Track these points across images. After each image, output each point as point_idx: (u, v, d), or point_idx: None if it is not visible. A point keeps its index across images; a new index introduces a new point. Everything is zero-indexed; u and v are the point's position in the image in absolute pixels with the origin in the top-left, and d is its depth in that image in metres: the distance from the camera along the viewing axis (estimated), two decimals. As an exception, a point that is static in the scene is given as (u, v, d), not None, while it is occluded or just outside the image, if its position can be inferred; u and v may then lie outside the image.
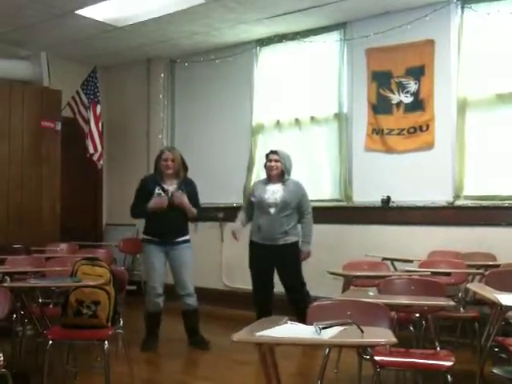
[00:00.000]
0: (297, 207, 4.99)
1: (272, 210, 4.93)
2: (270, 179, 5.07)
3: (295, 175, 5.19)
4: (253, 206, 5.10)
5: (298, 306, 4.63)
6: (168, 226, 4.66)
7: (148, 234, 4.77)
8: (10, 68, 6.50)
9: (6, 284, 3.78)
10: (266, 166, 5.09)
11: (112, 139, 7.70)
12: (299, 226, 5.03)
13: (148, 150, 7.40)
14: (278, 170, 4.99)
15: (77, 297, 3.64)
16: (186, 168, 4.85)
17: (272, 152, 5.08)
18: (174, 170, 4.71)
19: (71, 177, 7.09)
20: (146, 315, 4.78)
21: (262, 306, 4.97)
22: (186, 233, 4.81)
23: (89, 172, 7.36)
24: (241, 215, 5.20)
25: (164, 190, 4.68)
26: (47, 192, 6.52)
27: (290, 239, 4.96)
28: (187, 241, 4.82)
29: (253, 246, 5.05)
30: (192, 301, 4.80)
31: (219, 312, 6.37)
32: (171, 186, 4.72)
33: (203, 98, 7.17)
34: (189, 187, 4.82)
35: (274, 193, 4.97)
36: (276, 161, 4.99)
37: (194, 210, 4.73)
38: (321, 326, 2.24)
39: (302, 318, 2.76)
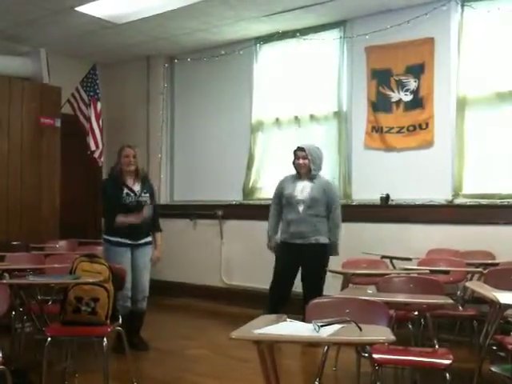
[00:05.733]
0: (326, 205, 4.92)
1: (301, 208, 4.87)
2: (299, 175, 5.01)
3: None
4: (281, 204, 5.03)
5: None
6: (135, 226, 4.57)
7: (113, 235, 4.58)
8: (9, 65, 6.48)
9: (5, 281, 3.78)
10: (294, 163, 5.02)
11: (111, 136, 7.69)
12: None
13: (148, 147, 7.40)
14: (306, 168, 4.93)
15: (76, 294, 3.64)
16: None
17: (299, 149, 4.98)
18: (135, 166, 4.66)
19: (70, 174, 7.08)
20: None
21: (278, 305, 4.87)
22: (149, 233, 4.74)
23: (88, 169, 7.35)
24: (270, 224, 5.11)
25: (132, 191, 4.60)
26: (46, 189, 6.51)
27: (322, 239, 4.88)
28: (150, 242, 4.73)
29: (282, 245, 4.99)
30: (144, 304, 4.67)
31: (218, 309, 6.39)
32: (135, 186, 4.65)
33: (203, 95, 7.16)
34: (151, 188, 4.80)
35: (303, 189, 4.91)
36: (304, 158, 4.92)
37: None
38: (319, 324, 2.24)
39: None
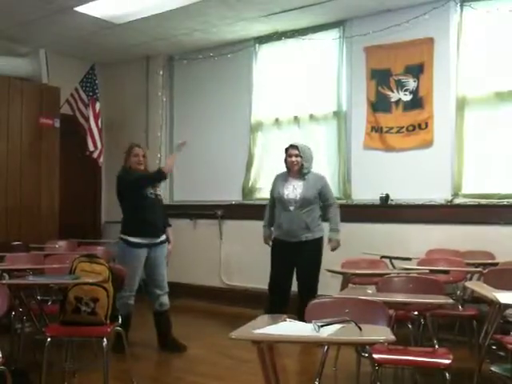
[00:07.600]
0: (320, 200, 4.99)
1: (291, 207, 4.91)
2: (290, 173, 5.06)
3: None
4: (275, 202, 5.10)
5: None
6: (154, 223, 4.60)
7: (133, 235, 4.54)
8: (8, 65, 6.47)
9: (4, 281, 3.78)
10: (286, 160, 5.06)
11: (110, 136, 7.69)
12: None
13: (147, 147, 7.39)
14: (298, 165, 4.98)
15: (75, 294, 3.64)
16: None
17: (292, 146, 5.03)
18: (145, 165, 4.70)
19: (70, 174, 7.08)
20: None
21: (276, 305, 4.89)
22: (164, 230, 4.76)
23: (87, 169, 7.36)
24: (266, 217, 5.21)
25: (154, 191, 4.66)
26: (46, 189, 6.51)
27: (313, 235, 4.93)
28: (165, 241, 4.74)
29: (275, 242, 5.05)
30: (167, 300, 4.71)
31: (218, 309, 6.38)
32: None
33: (202, 95, 7.16)
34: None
35: (295, 189, 4.96)
36: (296, 156, 4.97)
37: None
38: (319, 324, 2.24)
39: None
